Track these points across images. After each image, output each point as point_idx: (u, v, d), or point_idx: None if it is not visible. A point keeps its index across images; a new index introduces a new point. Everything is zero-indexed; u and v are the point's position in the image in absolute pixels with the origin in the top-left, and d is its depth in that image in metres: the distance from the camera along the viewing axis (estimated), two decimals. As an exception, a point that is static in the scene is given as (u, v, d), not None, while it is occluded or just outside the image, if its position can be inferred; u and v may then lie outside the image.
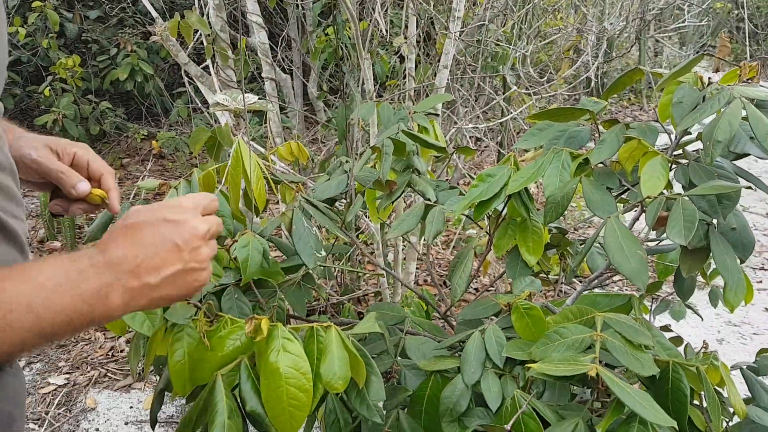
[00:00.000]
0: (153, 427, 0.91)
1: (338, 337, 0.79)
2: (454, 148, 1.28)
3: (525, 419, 0.77)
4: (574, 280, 1.82)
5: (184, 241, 0.58)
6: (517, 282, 1.00)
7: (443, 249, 3.40)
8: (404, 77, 2.36)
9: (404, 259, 2.61)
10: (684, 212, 0.73)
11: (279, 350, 0.75)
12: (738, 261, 0.86)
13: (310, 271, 1.24)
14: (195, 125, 4.15)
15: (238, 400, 0.78)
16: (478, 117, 2.71)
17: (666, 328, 1.41)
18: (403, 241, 2.69)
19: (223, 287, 0.97)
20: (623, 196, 1.05)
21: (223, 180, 1.02)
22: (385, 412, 0.91)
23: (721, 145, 0.71)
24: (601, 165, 0.90)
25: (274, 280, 1.06)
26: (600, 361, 0.77)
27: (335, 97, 4.01)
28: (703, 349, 1.10)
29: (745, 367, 1.25)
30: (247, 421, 0.83)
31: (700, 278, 1.18)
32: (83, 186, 0.76)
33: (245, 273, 0.93)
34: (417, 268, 3.31)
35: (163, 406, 2.36)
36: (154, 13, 1.81)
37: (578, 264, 0.88)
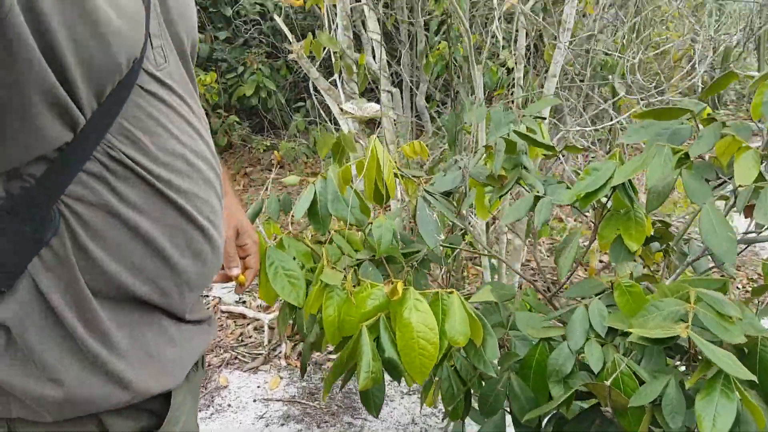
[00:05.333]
0: (303, 374, 1.09)
1: (459, 301, 0.94)
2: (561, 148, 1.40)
3: (623, 378, 0.88)
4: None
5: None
6: (620, 266, 1.10)
7: (548, 256, 3.46)
8: (512, 87, 2.47)
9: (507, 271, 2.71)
10: (772, 196, 0.81)
11: (411, 308, 0.91)
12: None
13: (427, 257, 1.40)
14: (312, 137, 4.47)
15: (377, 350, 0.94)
16: (586, 122, 2.77)
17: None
18: (507, 246, 2.78)
19: (360, 262, 1.15)
20: (726, 193, 1.13)
21: (361, 174, 1.19)
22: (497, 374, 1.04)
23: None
24: (699, 159, 0.99)
25: (399, 258, 1.23)
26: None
27: (444, 106, 4.18)
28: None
29: None
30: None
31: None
32: (236, 270, 1.02)
33: (379, 249, 1.10)
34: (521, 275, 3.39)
35: (286, 387, 2.58)
36: (290, 35, 2.05)
37: (677, 242, 0.97)
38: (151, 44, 0.73)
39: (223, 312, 3.02)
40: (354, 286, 0.99)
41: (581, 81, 2.82)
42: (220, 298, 3.12)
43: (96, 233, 0.69)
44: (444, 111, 4.19)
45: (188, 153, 0.77)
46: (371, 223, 1.13)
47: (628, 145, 3.67)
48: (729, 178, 0.97)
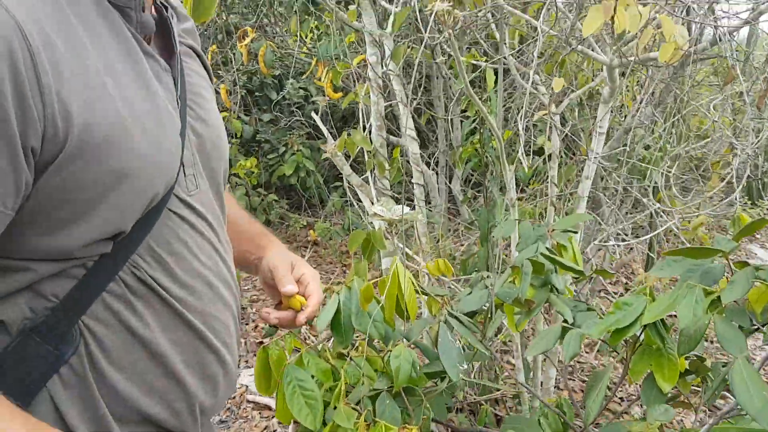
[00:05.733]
0: None
1: (477, 449, 0.89)
2: (593, 262, 1.36)
3: None
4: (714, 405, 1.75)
5: None
6: (651, 409, 1.04)
7: (586, 352, 3.32)
8: (546, 177, 2.45)
9: (544, 360, 2.61)
10: (815, 362, 0.76)
11: (425, 458, 0.87)
12: None
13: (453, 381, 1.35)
14: (347, 216, 4.51)
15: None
16: (625, 230, 2.72)
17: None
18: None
19: (377, 392, 1.11)
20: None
21: (384, 295, 1.17)
22: None
23: None
24: (733, 303, 0.94)
25: (420, 384, 1.18)
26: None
27: (477, 191, 4.18)
28: None
29: None
30: None
31: None
32: (291, 287, 0.94)
33: (397, 381, 1.07)
34: (557, 371, 3.26)
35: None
36: (326, 133, 2.10)
37: (709, 397, 0.91)
38: (184, 172, 0.76)
39: (249, 401, 2.98)
40: (369, 425, 0.96)
41: (618, 176, 2.78)
42: (247, 387, 3.08)
43: (111, 353, 0.70)
44: (479, 196, 4.20)
45: (210, 275, 0.78)
46: (390, 351, 1.10)
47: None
48: (763, 325, 0.92)
